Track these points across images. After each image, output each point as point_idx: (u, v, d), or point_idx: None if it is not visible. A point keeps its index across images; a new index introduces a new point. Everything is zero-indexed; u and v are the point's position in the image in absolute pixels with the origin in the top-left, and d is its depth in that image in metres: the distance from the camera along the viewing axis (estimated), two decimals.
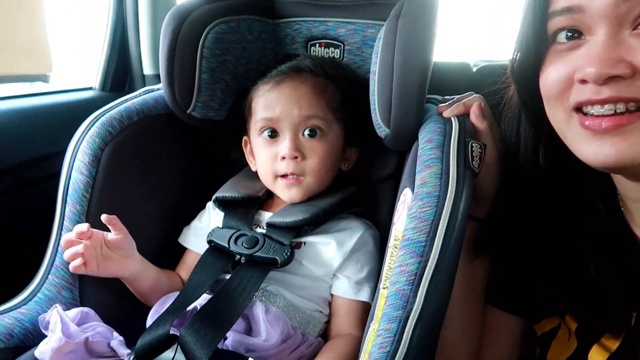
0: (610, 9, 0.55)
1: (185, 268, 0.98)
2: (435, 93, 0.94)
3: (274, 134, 0.93)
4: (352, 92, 0.98)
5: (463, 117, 0.82)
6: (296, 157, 0.91)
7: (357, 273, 0.91)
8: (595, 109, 0.57)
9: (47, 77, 1.23)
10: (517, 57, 0.67)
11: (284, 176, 0.93)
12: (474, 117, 0.82)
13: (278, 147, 0.92)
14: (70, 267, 0.83)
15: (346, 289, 0.90)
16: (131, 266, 0.89)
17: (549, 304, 0.75)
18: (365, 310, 0.88)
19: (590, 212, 0.70)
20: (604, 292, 0.66)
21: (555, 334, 0.74)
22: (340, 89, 0.96)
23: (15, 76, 1.19)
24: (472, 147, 0.74)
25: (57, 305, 0.82)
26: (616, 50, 0.55)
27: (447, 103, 0.86)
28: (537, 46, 0.64)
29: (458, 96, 0.88)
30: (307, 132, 0.92)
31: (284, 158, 0.91)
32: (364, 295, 0.89)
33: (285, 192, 0.94)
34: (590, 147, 0.59)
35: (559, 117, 0.63)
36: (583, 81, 0.57)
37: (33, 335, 0.85)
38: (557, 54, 0.61)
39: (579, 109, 0.60)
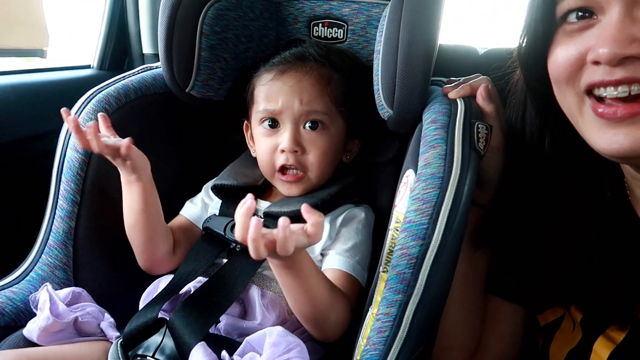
0: None
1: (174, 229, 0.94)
2: (440, 76, 0.91)
3: (274, 124, 0.91)
4: (357, 83, 0.95)
5: (469, 99, 0.79)
6: (296, 151, 0.89)
7: (339, 246, 0.87)
8: (609, 91, 0.55)
9: (43, 53, 1.20)
10: (524, 41, 0.65)
11: (283, 172, 0.91)
12: (481, 99, 0.79)
13: (278, 138, 0.90)
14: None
15: (328, 261, 0.87)
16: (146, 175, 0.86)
17: (552, 294, 0.73)
18: (351, 285, 0.84)
19: (596, 199, 0.68)
20: (609, 282, 0.64)
21: (559, 324, 0.72)
22: (345, 80, 0.94)
23: (11, 50, 1.16)
24: (478, 128, 0.72)
25: (48, 284, 0.80)
26: (630, 29, 0.52)
27: (452, 84, 0.84)
28: (545, 29, 0.61)
29: (464, 78, 0.86)
30: (308, 124, 0.90)
31: (283, 151, 0.89)
32: (343, 265, 0.85)
33: (285, 188, 0.92)
34: (604, 136, 0.56)
35: (570, 101, 0.60)
36: (596, 62, 0.55)
37: (25, 315, 0.84)
38: (566, 34, 0.59)
39: (590, 91, 0.57)
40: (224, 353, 0.69)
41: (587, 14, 0.57)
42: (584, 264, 0.67)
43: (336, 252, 0.87)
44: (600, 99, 0.57)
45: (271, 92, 0.91)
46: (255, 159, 0.99)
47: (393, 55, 0.80)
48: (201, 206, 0.99)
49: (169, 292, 0.81)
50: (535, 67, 0.64)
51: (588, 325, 0.67)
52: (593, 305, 0.67)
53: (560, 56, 0.59)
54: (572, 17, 0.58)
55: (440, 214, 0.66)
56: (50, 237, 0.89)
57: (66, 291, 0.81)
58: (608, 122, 0.56)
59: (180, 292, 0.81)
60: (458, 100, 0.78)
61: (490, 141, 0.73)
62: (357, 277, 0.84)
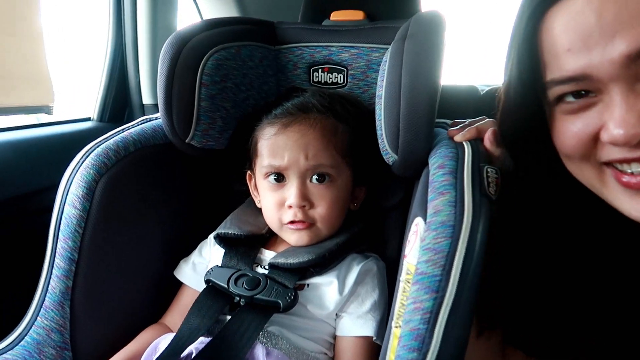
0: (621, 71, 0.50)
1: (180, 306, 0.93)
2: (442, 117, 0.90)
3: (280, 178, 0.89)
4: (361, 131, 0.94)
5: (476, 142, 0.77)
6: (304, 206, 0.87)
7: (358, 307, 0.85)
8: (634, 167, 0.53)
9: (49, 109, 1.20)
10: (507, 120, 0.64)
11: (292, 222, 0.88)
12: (489, 143, 0.77)
13: (285, 193, 0.88)
14: None
15: (348, 326, 0.85)
16: None
17: (573, 352, 0.68)
18: (371, 349, 0.82)
19: (610, 250, 0.64)
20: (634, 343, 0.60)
21: None
22: (349, 129, 0.92)
23: (17, 108, 1.16)
24: (487, 172, 0.69)
25: None
26: (638, 105, 0.51)
27: (458, 127, 0.82)
28: (530, 112, 0.60)
29: (469, 120, 0.84)
30: (315, 178, 0.88)
31: (291, 206, 0.87)
32: (367, 330, 0.83)
33: (293, 237, 0.90)
34: (632, 203, 0.55)
35: (587, 174, 0.58)
36: (613, 144, 0.53)
37: None
38: (567, 113, 0.57)
39: (608, 163, 0.55)
40: None
41: (583, 92, 0.55)
42: (599, 322, 0.63)
43: (357, 315, 0.85)
44: (619, 170, 0.55)
45: (276, 148, 0.89)
46: (259, 207, 0.96)
47: (395, 99, 0.79)
48: (191, 267, 0.97)
49: (170, 354, 0.76)
50: (524, 148, 0.63)
51: None
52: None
53: (570, 134, 0.57)
54: (569, 97, 0.56)
55: (454, 265, 0.63)
56: (47, 298, 0.85)
57: None
58: (637, 191, 0.54)
59: (182, 355, 0.76)
60: (464, 143, 0.76)
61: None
62: (379, 339, 0.80)
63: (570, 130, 0.57)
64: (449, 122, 0.88)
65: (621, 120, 0.50)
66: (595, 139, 0.55)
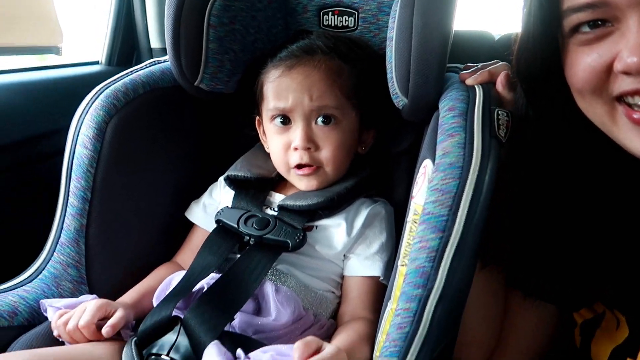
0: None
1: (192, 246, 0.95)
2: (453, 62, 0.88)
3: (286, 121, 0.89)
4: (368, 73, 0.92)
5: (488, 85, 0.76)
6: (309, 148, 0.87)
7: (366, 249, 0.87)
8: None
9: (59, 49, 1.19)
10: (523, 57, 0.62)
11: (298, 167, 0.89)
12: (501, 87, 0.76)
13: (290, 135, 0.88)
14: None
15: (356, 266, 0.87)
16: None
17: (586, 296, 0.70)
18: (378, 290, 0.84)
19: (620, 191, 0.64)
20: None
21: (599, 322, 0.69)
22: (355, 72, 0.91)
23: (27, 47, 1.15)
24: (498, 114, 0.69)
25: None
26: None
27: (470, 70, 0.81)
28: (548, 43, 0.58)
29: (482, 64, 0.83)
30: (320, 119, 0.88)
31: (296, 149, 0.87)
32: (374, 270, 0.85)
33: (302, 182, 0.91)
34: None
35: (599, 111, 0.57)
36: (626, 72, 0.52)
37: (38, 314, 0.83)
38: (583, 44, 0.56)
39: (620, 98, 0.54)
40: (239, 351, 0.67)
41: (600, 22, 0.54)
42: (613, 264, 0.64)
43: (365, 256, 0.86)
44: (631, 105, 0.54)
45: (280, 90, 0.88)
46: (268, 152, 0.97)
47: (407, 41, 0.77)
48: (202, 209, 0.98)
49: (183, 289, 0.79)
50: (538, 83, 0.62)
51: (636, 322, 0.64)
52: (633, 307, 0.64)
53: (583, 67, 0.56)
54: (585, 28, 0.55)
55: (461, 205, 0.63)
56: (62, 235, 0.88)
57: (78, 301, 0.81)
58: None
59: (194, 290, 0.79)
60: (476, 87, 0.75)
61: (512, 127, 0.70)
62: (386, 280, 0.82)
63: (584, 61, 0.56)
64: (461, 66, 0.87)
65: (636, 47, 0.50)
66: (608, 71, 0.54)
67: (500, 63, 0.80)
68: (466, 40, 1.19)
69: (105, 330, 0.75)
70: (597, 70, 0.54)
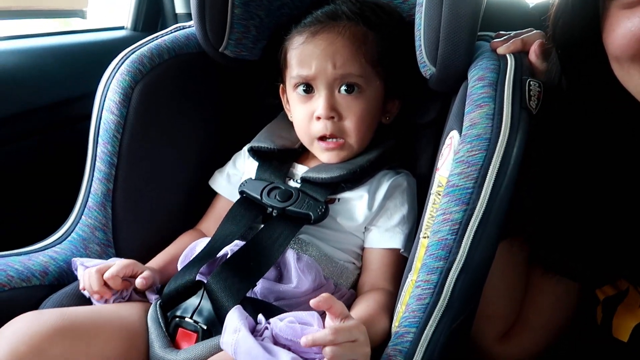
0: None
1: (215, 215, 0.96)
2: (486, 30, 0.85)
3: (309, 89, 0.88)
4: (394, 40, 0.90)
5: (520, 55, 0.74)
6: (332, 117, 0.86)
7: (387, 221, 0.86)
8: None
9: (84, 13, 1.19)
10: (560, 22, 0.58)
11: (322, 139, 0.88)
12: (534, 57, 0.73)
13: (313, 104, 0.87)
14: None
15: (376, 238, 0.86)
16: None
17: (610, 273, 0.68)
18: (398, 263, 0.84)
19: None
20: None
21: (621, 299, 0.67)
22: (381, 38, 0.88)
23: (52, 11, 1.15)
24: (530, 85, 0.67)
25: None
26: None
27: (502, 39, 0.78)
28: (587, 7, 0.55)
29: (515, 32, 0.79)
30: (343, 88, 0.86)
31: (319, 118, 0.86)
32: (395, 242, 0.85)
33: (325, 155, 0.90)
34: None
35: (636, 80, 0.54)
36: None
37: (67, 274, 0.86)
38: (625, 7, 0.53)
39: None
40: (260, 316, 0.68)
41: None
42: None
43: (385, 228, 0.86)
44: None
45: (303, 57, 0.87)
46: (292, 121, 0.96)
47: (437, 6, 0.75)
48: (226, 178, 0.99)
49: (207, 255, 0.80)
50: (575, 50, 0.59)
51: None
52: None
53: (623, 33, 0.53)
54: None
55: (487, 178, 0.62)
56: (90, 199, 0.90)
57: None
58: None
59: (218, 256, 0.80)
60: (508, 56, 0.73)
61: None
62: (407, 252, 0.82)
63: (624, 26, 0.53)
64: (493, 34, 0.84)
65: None
66: None
67: (535, 31, 0.77)
68: (499, 7, 1.14)
69: (138, 281, 0.78)
70: (637, 35, 0.51)
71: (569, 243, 0.70)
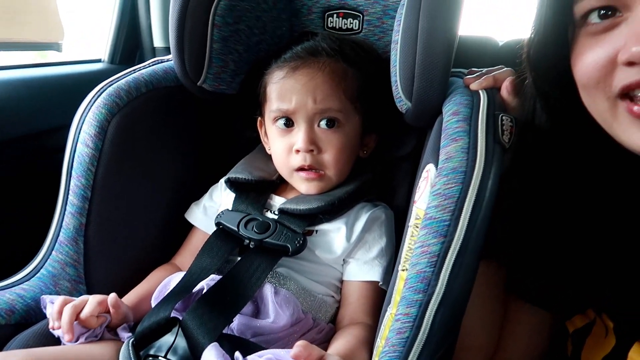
0: None
1: (191, 248, 0.95)
2: (459, 67, 0.87)
3: (289, 123, 0.89)
4: (372, 77, 0.92)
5: (492, 90, 0.76)
6: (312, 150, 0.87)
7: (365, 253, 0.87)
8: None
9: (59, 46, 1.18)
10: (534, 43, 0.60)
11: (301, 169, 0.89)
12: (506, 93, 0.76)
13: (293, 137, 0.88)
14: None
15: (355, 271, 0.86)
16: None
17: (579, 301, 0.69)
18: (377, 296, 0.84)
19: (620, 196, 0.64)
20: (637, 288, 0.61)
21: (589, 330, 0.68)
22: (359, 75, 0.91)
23: (28, 43, 1.15)
24: (502, 120, 0.69)
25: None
26: None
27: (474, 75, 0.80)
28: (559, 31, 0.57)
29: (487, 69, 0.82)
30: (323, 123, 0.87)
31: (298, 151, 0.87)
32: (374, 275, 0.85)
33: (304, 186, 0.90)
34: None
35: (601, 107, 0.56)
36: (630, 63, 0.50)
37: (35, 312, 0.82)
38: (590, 36, 0.55)
39: (625, 95, 0.53)
40: (237, 354, 0.66)
41: (609, 12, 0.53)
42: (608, 270, 0.64)
43: (364, 261, 0.86)
44: (633, 99, 0.52)
45: (284, 91, 0.88)
46: (269, 154, 0.97)
47: (412, 44, 0.77)
48: (202, 211, 0.98)
49: (182, 290, 0.79)
50: (548, 72, 0.61)
51: (622, 331, 0.63)
52: (623, 312, 0.64)
53: (588, 60, 0.55)
54: (594, 18, 0.54)
55: (463, 210, 0.63)
56: (61, 234, 0.88)
57: None
58: None
59: (193, 291, 0.79)
60: (480, 92, 0.75)
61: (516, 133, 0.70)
62: (385, 285, 0.82)
63: (589, 54, 0.55)
64: (465, 71, 0.86)
65: None
66: (612, 65, 0.53)
67: (506, 69, 0.80)
68: (470, 46, 1.19)
69: (110, 302, 0.76)
70: (600, 64, 0.53)
71: (540, 268, 0.71)
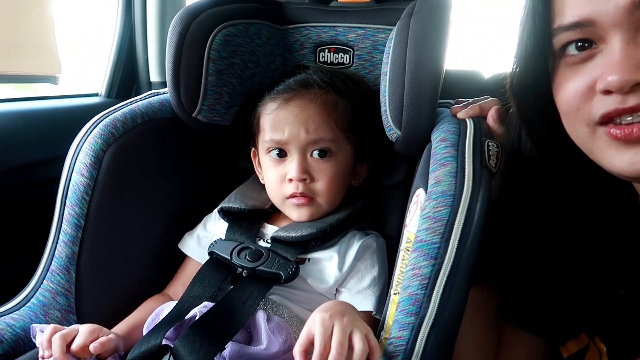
0: (624, 17, 0.51)
1: (184, 278, 0.94)
2: (446, 98, 0.91)
3: (282, 154, 0.91)
4: (363, 107, 0.95)
5: (478, 118, 0.79)
6: (305, 179, 0.88)
7: (358, 283, 0.86)
8: (623, 119, 0.53)
9: (56, 79, 1.21)
10: (517, 73, 0.64)
11: (293, 195, 0.90)
12: (491, 121, 0.78)
13: (286, 167, 0.90)
14: None
15: (348, 301, 0.85)
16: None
17: (572, 325, 0.70)
18: (371, 325, 0.82)
19: (608, 220, 0.66)
20: (631, 312, 0.62)
21: (583, 355, 0.68)
22: (350, 105, 0.93)
23: (24, 76, 1.17)
24: (488, 146, 0.71)
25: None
26: (637, 55, 0.51)
27: (461, 105, 0.83)
28: (539, 62, 0.60)
29: (473, 99, 0.85)
30: (315, 152, 0.89)
31: (291, 180, 0.89)
32: (367, 305, 0.84)
33: (295, 213, 0.91)
34: (624, 157, 0.54)
35: (581, 133, 0.59)
36: (607, 92, 0.53)
37: (24, 342, 0.81)
38: (569, 66, 0.58)
39: (604, 122, 0.55)
40: None
41: (586, 44, 0.56)
42: (602, 296, 0.65)
43: (357, 290, 0.86)
44: (613, 122, 0.55)
45: (277, 122, 0.90)
46: (262, 183, 0.98)
47: (400, 75, 0.80)
48: (196, 241, 0.98)
49: (174, 317, 0.78)
50: (529, 100, 0.63)
51: (615, 354, 0.64)
52: (616, 336, 0.64)
53: (569, 90, 0.57)
54: (572, 49, 0.57)
55: (453, 233, 0.64)
56: (53, 263, 0.87)
57: None
58: (625, 143, 0.54)
59: (186, 318, 0.78)
60: (467, 120, 0.78)
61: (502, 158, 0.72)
62: (379, 314, 0.81)
63: (568, 84, 0.57)
64: (452, 102, 0.89)
65: (617, 66, 0.51)
66: (591, 94, 0.55)
67: (491, 98, 0.83)
68: (457, 79, 1.23)
69: (93, 346, 0.73)
70: (580, 92, 0.56)
71: (531, 295, 0.71)
